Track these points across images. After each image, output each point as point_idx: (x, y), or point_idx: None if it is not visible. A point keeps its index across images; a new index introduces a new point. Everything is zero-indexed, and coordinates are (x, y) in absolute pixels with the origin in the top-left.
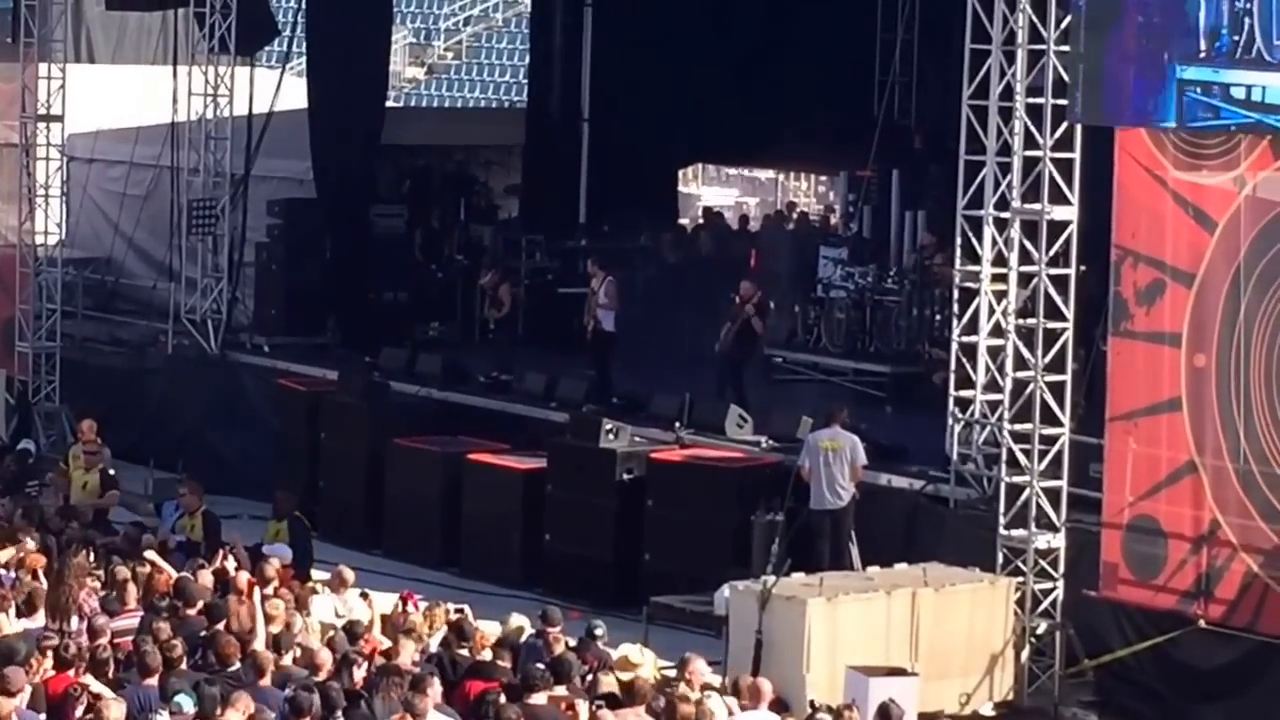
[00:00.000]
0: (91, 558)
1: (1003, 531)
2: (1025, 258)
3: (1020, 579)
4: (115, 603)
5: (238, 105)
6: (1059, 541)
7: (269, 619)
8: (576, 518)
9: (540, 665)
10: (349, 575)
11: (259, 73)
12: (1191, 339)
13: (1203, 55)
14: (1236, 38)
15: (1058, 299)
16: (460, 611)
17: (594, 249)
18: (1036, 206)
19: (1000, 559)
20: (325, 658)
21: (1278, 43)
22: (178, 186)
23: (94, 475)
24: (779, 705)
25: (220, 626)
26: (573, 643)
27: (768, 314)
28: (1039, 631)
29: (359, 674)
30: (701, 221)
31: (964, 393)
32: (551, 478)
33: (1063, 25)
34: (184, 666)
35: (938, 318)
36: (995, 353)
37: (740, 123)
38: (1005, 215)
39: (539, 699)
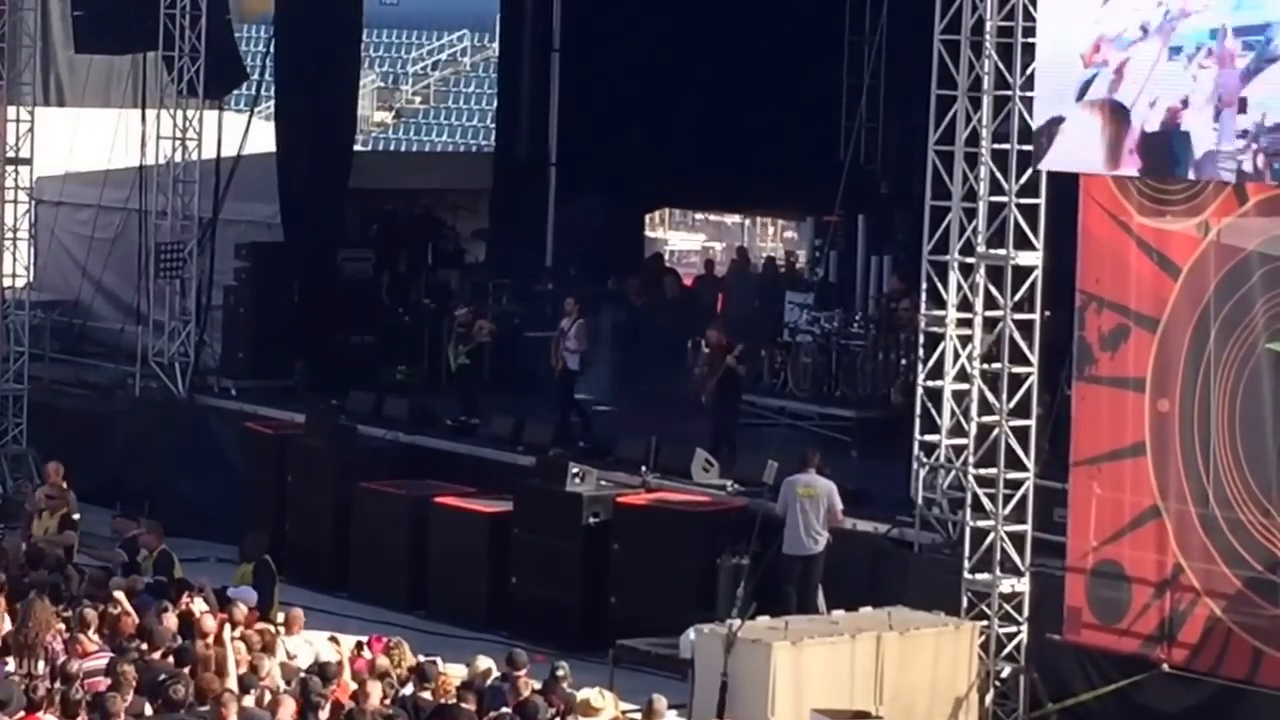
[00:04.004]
0: (57, 601)
1: (967, 576)
2: (990, 303)
3: (984, 623)
4: (78, 644)
5: (206, 149)
6: (1023, 586)
7: (237, 662)
8: (543, 561)
9: (507, 709)
10: (297, 617)
11: (227, 116)
12: (1155, 384)
13: None
14: None
15: (1022, 344)
16: (433, 662)
17: (571, 292)
18: (1002, 252)
19: (965, 603)
20: (288, 703)
21: None
22: (146, 230)
23: (55, 520)
24: None
25: (186, 670)
26: (538, 685)
27: (747, 361)
28: (1003, 675)
29: (323, 716)
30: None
31: (929, 437)
32: (518, 521)
33: (1029, 71)
34: (148, 710)
35: (903, 362)
36: (960, 397)
37: (706, 168)
38: (970, 260)
39: None
